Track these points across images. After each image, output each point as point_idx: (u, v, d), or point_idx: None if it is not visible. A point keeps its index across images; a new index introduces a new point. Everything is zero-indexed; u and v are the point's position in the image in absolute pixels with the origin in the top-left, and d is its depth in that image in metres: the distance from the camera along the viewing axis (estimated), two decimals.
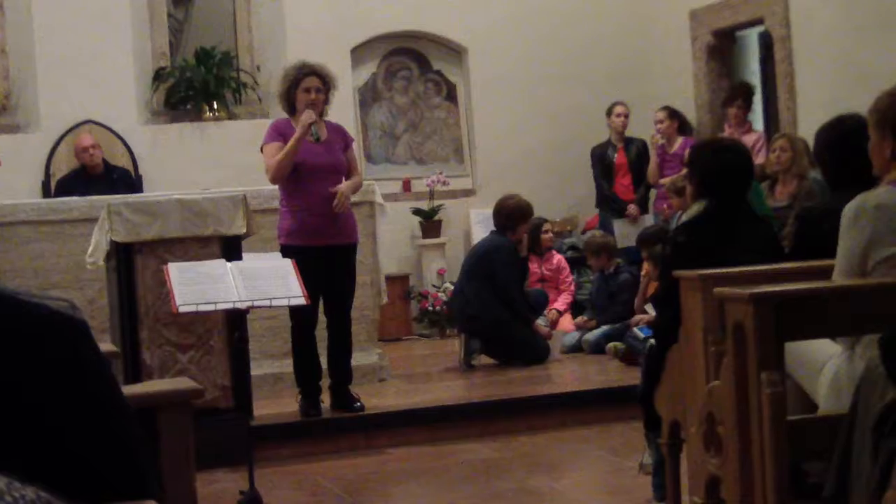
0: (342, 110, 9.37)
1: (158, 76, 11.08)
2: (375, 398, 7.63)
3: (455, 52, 12.11)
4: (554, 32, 11.93)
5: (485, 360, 9.04)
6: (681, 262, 4.54)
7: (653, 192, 10.83)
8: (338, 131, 7.39)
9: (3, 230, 7.94)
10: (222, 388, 6.83)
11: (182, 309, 5.70)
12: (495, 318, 8.88)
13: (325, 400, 7.29)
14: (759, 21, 10.64)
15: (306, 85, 7.16)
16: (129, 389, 3.37)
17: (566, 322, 9.96)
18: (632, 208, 10.75)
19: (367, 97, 11.99)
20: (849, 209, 3.84)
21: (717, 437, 3.89)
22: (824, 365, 3.91)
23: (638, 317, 8.88)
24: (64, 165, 10.53)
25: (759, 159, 8.93)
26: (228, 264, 5.95)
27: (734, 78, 11.16)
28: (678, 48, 11.49)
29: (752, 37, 11.27)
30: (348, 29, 11.44)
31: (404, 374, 8.94)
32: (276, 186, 7.30)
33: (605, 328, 9.26)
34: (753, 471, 3.65)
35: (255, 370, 7.33)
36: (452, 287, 9.99)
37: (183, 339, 6.79)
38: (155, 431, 3.24)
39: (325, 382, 7.31)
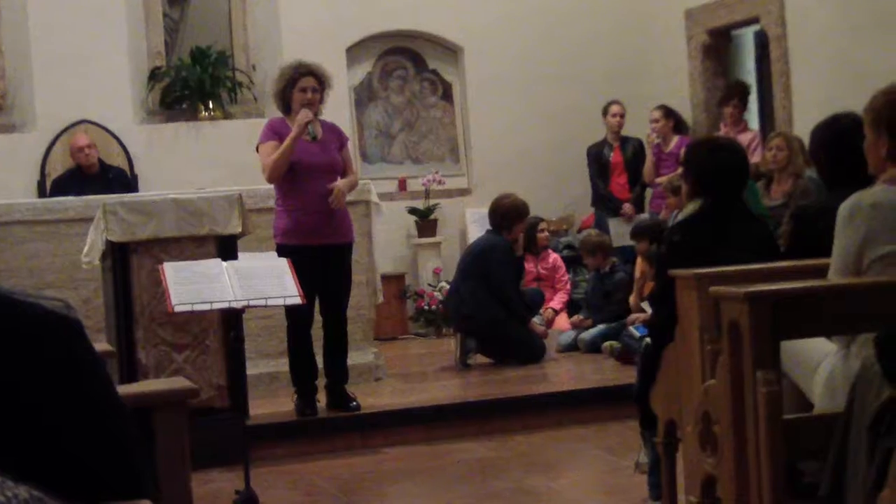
0: (338, 109, 9.36)
1: (154, 76, 11.07)
2: (371, 397, 7.63)
3: (451, 51, 12.11)
4: (550, 32, 11.93)
5: (481, 359, 9.04)
6: (676, 261, 4.54)
7: (649, 192, 10.84)
8: (333, 131, 7.39)
9: None
10: (218, 387, 6.83)
11: (178, 308, 5.70)
12: (491, 318, 8.88)
13: (321, 399, 7.29)
14: (755, 20, 10.64)
15: (302, 85, 7.16)
16: (124, 389, 3.37)
17: (562, 321, 9.96)
18: (627, 207, 10.76)
19: (363, 96, 11.99)
20: (844, 208, 3.84)
21: (712, 436, 3.90)
22: (820, 364, 3.91)
23: (634, 315, 8.88)
24: (59, 165, 10.52)
25: (754, 158, 8.94)
26: (224, 264, 5.95)
27: (730, 77, 11.17)
28: (674, 47, 11.49)
29: (747, 36, 11.27)
30: (344, 28, 11.44)
31: (400, 373, 8.94)
32: (272, 186, 7.30)
33: (601, 327, 9.26)
34: (749, 470, 3.66)
35: (251, 370, 7.32)
36: (448, 286, 9.99)
37: (178, 339, 6.78)
38: (150, 431, 3.24)
39: (321, 382, 7.31)
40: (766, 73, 10.77)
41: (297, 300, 5.91)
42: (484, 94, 11.92)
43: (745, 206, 5.12)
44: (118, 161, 10.63)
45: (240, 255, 6.45)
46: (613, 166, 11.05)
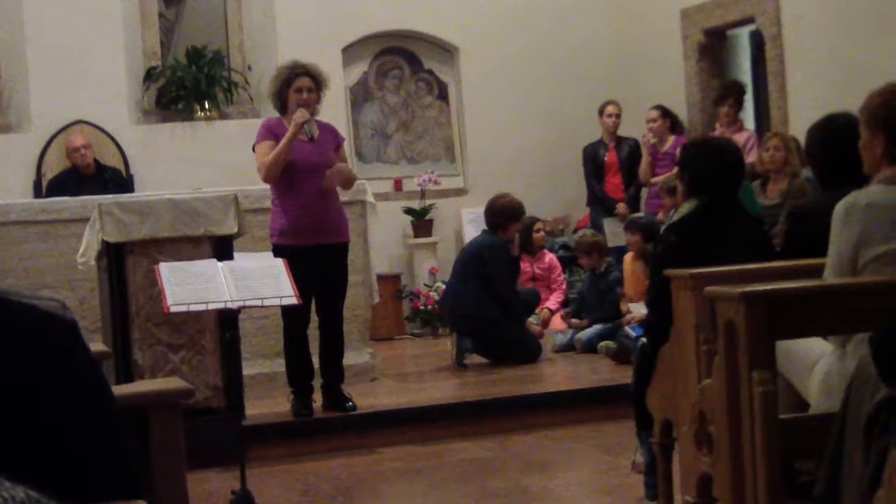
0: (333, 109, 9.37)
1: (149, 76, 11.07)
2: (367, 398, 7.63)
3: (446, 51, 12.11)
4: (545, 32, 11.93)
5: (477, 359, 9.04)
6: (672, 260, 4.54)
7: (644, 192, 10.84)
8: (329, 131, 7.39)
9: None
10: (214, 387, 6.82)
11: (173, 309, 5.69)
12: (487, 318, 8.88)
13: (317, 399, 7.29)
14: (751, 20, 10.64)
15: (298, 85, 7.16)
16: (120, 389, 3.37)
17: (558, 321, 9.97)
18: (621, 207, 10.76)
19: (359, 96, 11.99)
20: (840, 207, 3.85)
21: (708, 435, 3.90)
22: (815, 363, 3.91)
23: (630, 315, 8.89)
24: (55, 165, 10.52)
25: (750, 158, 8.94)
26: (220, 264, 5.94)
27: (725, 77, 11.16)
28: (669, 47, 11.49)
29: (743, 36, 11.28)
30: (339, 28, 11.44)
31: (396, 373, 8.94)
32: (268, 186, 7.30)
33: (597, 327, 9.26)
34: (745, 469, 3.66)
35: (247, 370, 7.32)
36: (444, 286, 9.99)
37: (174, 339, 6.78)
38: (146, 431, 3.24)
39: (318, 382, 7.30)
40: (762, 72, 10.78)
41: (293, 300, 5.90)
42: (479, 95, 11.92)
43: (741, 206, 5.13)
44: (114, 161, 10.63)
45: (236, 255, 6.45)
46: (608, 166, 11.06)
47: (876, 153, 3.90)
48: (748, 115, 10.86)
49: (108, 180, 10.06)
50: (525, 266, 10.01)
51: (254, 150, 7.23)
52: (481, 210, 9.59)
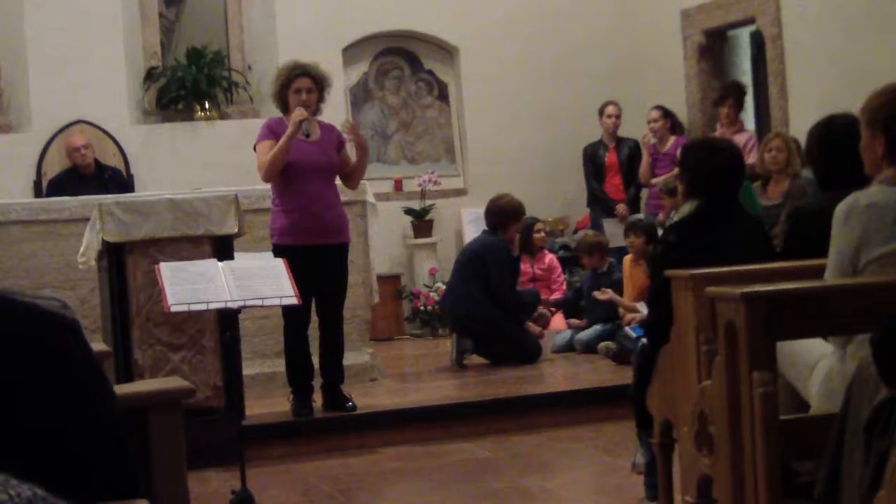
0: (334, 110, 9.33)
1: (150, 76, 11.07)
2: (367, 398, 7.62)
3: (447, 51, 12.11)
4: (545, 32, 11.93)
5: (476, 359, 9.04)
6: (673, 261, 4.54)
7: (644, 192, 10.84)
8: (331, 131, 7.39)
9: None
10: (214, 387, 6.83)
11: (174, 308, 5.69)
12: (487, 318, 8.88)
13: (317, 399, 7.28)
14: (751, 20, 10.64)
15: (297, 86, 7.16)
16: (120, 389, 3.36)
17: (558, 321, 9.97)
18: (620, 207, 10.76)
19: (359, 97, 11.99)
20: (840, 208, 3.84)
21: (708, 436, 3.90)
22: (816, 364, 3.91)
23: (630, 316, 8.89)
24: (55, 165, 10.51)
25: (750, 159, 8.94)
26: (220, 264, 5.94)
27: (726, 77, 11.16)
28: (670, 48, 11.49)
29: (743, 36, 11.27)
30: (340, 28, 11.43)
31: (396, 373, 8.94)
32: (268, 186, 7.30)
33: (597, 328, 9.26)
34: (745, 470, 3.66)
35: (247, 370, 7.32)
36: (444, 286, 9.99)
37: (175, 339, 6.78)
38: (146, 431, 3.24)
39: (317, 382, 7.30)
40: (762, 73, 10.77)
41: (294, 300, 5.90)
42: (480, 95, 11.92)
43: (741, 207, 5.13)
44: (114, 161, 10.62)
45: (236, 255, 6.45)
46: (608, 167, 11.06)
47: (876, 154, 3.90)
48: (748, 116, 10.85)
49: (108, 180, 10.06)
50: (525, 266, 10.01)
51: (255, 149, 7.23)
52: (481, 210, 9.59)
